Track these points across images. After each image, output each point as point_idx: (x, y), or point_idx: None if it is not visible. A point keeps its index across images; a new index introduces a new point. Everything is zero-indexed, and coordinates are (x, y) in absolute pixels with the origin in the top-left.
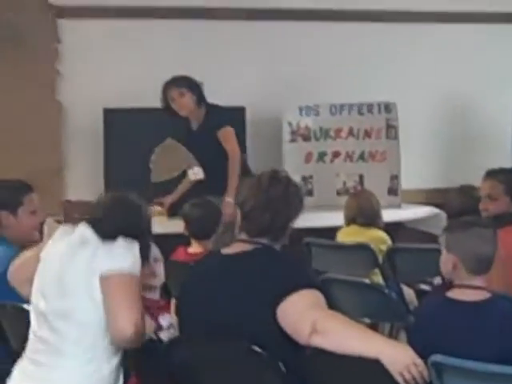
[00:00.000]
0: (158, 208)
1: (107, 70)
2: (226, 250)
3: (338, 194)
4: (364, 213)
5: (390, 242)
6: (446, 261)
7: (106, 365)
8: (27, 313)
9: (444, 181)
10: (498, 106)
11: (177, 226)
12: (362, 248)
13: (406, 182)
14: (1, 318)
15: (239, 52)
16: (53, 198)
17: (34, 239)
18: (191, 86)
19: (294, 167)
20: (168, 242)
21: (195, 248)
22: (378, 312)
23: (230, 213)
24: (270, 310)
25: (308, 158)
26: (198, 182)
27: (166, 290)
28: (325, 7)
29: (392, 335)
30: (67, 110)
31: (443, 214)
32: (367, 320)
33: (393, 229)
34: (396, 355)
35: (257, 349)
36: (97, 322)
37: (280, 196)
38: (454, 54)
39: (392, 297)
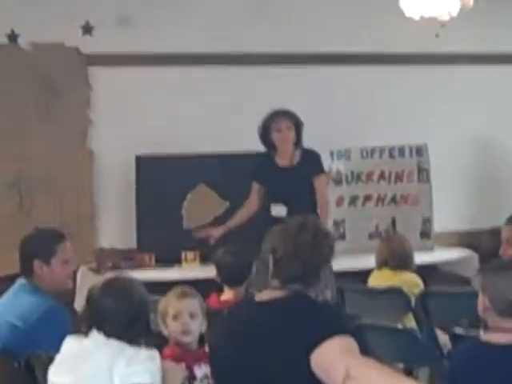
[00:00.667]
0: (190, 254)
1: (138, 117)
2: (258, 297)
3: (371, 237)
4: (396, 256)
5: (422, 285)
6: (480, 302)
7: None
8: None
9: (477, 222)
10: None
11: (209, 270)
12: (395, 292)
13: (439, 225)
14: (35, 367)
15: (270, 97)
16: (85, 246)
17: (67, 288)
18: (298, 124)
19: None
20: (200, 288)
21: (227, 295)
22: (412, 357)
23: None
24: (303, 358)
25: (339, 201)
26: (276, 220)
27: (202, 339)
28: (356, 51)
29: (431, 381)
30: (99, 158)
31: (476, 256)
32: (401, 365)
33: (426, 272)
34: None
35: None
36: None
37: (308, 244)
38: (485, 95)
39: (425, 341)
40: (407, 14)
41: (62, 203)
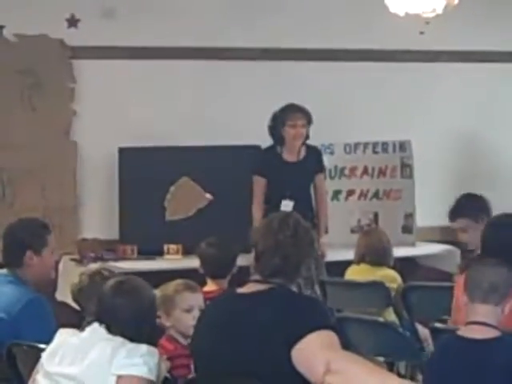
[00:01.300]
0: (172, 246)
1: (121, 109)
2: (241, 290)
3: (353, 231)
4: (374, 251)
5: (400, 280)
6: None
7: None
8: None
9: None
10: (511, 143)
11: (192, 262)
12: (376, 286)
13: (421, 220)
14: (16, 356)
15: (254, 91)
16: (68, 237)
17: (52, 278)
18: (310, 121)
19: None
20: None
21: (210, 286)
22: (393, 350)
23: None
24: (284, 351)
25: None
26: None
27: None
28: (340, 47)
29: (408, 374)
30: (82, 149)
31: (457, 252)
32: (381, 358)
33: (407, 267)
34: None
35: None
36: None
37: (288, 240)
38: (468, 92)
39: (406, 335)
40: (392, 10)
41: (45, 194)
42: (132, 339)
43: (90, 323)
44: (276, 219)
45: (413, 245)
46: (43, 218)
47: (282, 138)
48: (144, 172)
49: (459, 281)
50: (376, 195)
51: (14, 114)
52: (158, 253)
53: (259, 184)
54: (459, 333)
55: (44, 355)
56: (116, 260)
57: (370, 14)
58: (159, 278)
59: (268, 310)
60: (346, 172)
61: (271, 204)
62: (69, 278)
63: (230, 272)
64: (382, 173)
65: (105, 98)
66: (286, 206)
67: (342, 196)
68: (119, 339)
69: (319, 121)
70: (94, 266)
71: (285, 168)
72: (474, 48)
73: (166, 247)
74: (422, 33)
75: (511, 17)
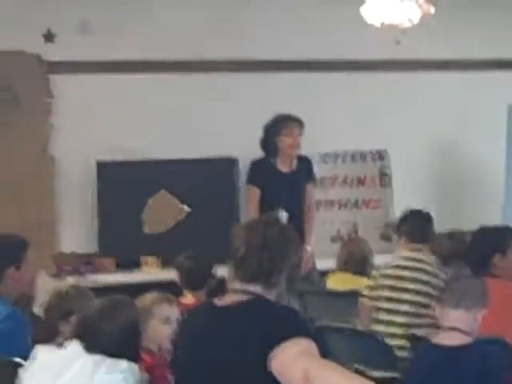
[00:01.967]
0: (150, 258)
1: (99, 123)
2: (219, 302)
3: (332, 241)
4: (355, 260)
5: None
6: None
7: None
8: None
9: (437, 226)
10: (489, 153)
11: (170, 274)
12: (355, 295)
13: None
14: None
15: (231, 103)
16: (45, 251)
17: (32, 293)
18: (303, 132)
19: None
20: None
21: (188, 298)
22: (371, 359)
23: (308, 260)
24: (262, 359)
25: None
26: None
27: None
28: (316, 58)
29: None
30: (60, 163)
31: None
32: (360, 367)
33: None
34: None
35: None
36: None
37: (276, 236)
38: (445, 101)
39: (384, 343)
40: (368, 21)
41: (23, 208)
42: (115, 357)
43: (67, 340)
44: (259, 220)
45: (391, 252)
46: (21, 234)
47: (276, 148)
48: (122, 185)
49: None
50: (355, 204)
51: None
52: (136, 265)
53: (254, 194)
54: (434, 340)
55: (23, 372)
56: (94, 273)
57: (346, 25)
58: (137, 290)
59: (246, 321)
60: (325, 182)
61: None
62: (46, 292)
63: (207, 283)
64: (360, 182)
65: (82, 112)
66: (281, 216)
67: (322, 206)
68: (98, 356)
69: None
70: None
71: (279, 178)
72: (450, 57)
73: (143, 259)
74: (398, 43)
75: (487, 25)
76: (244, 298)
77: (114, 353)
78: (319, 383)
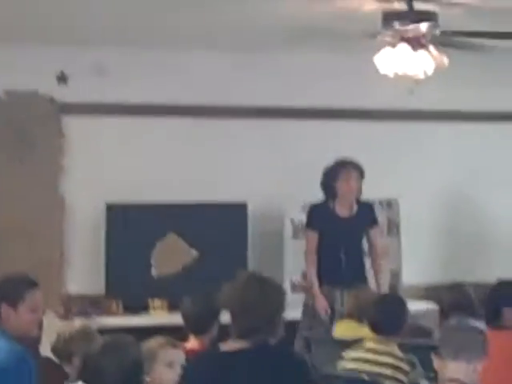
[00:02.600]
0: (157, 301)
1: (110, 165)
2: (223, 347)
3: None
4: (363, 309)
5: None
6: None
7: None
8: None
9: (446, 276)
10: (499, 206)
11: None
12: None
13: (407, 278)
14: None
15: (241, 149)
16: (53, 292)
17: (32, 335)
18: (363, 175)
19: (296, 264)
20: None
21: (193, 343)
22: None
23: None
24: None
25: None
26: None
27: None
28: (329, 106)
29: None
30: (70, 205)
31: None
32: None
33: None
34: None
35: None
36: None
37: (256, 298)
38: (454, 152)
39: None
40: (382, 72)
41: (32, 249)
42: None
43: (74, 382)
44: (242, 279)
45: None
46: (28, 273)
47: (334, 192)
48: (131, 228)
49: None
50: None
51: (2, 169)
52: (143, 308)
53: (312, 238)
54: None
55: None
56: (101, 315)
57: (360, 73)
58: (144, 333)
59: (252, 368)
60: None
61: (325, 260)
62: (53, 333)
63: (211, 328)
64: None
65: (93, 153)
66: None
67: None
68: None
69: (307, 179)
70: (76, 322)
71: (338, 223)
72: (461, 108)
73: (151, 302)
74: (411, 92)
75: (503, 76)
76: (248, 345)
77: None
78: None
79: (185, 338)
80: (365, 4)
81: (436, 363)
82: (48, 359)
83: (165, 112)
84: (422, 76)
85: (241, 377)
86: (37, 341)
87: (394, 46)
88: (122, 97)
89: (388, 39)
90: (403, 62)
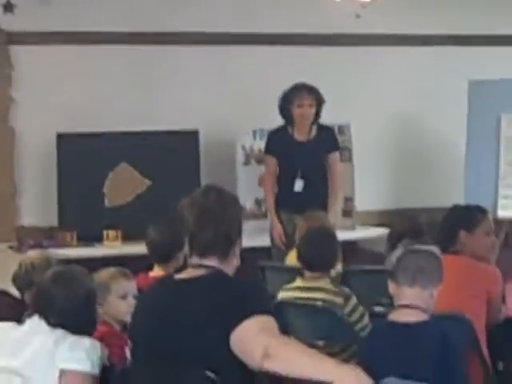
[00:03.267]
0: (111, 232)
1: (59, 95)
2: (179, 275)
3: None
4: None
5: (339, 266)
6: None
7: None
8: None
9: (398, 202)
10: (450, 127)
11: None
12: None
13: (360, 204)
14: None
15: (192, 76)
16: (6, 224)
17: None
18: (319, 101)
19: (247, 190)
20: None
21: (157, 272)
22: (332, 335)
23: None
24: (223, 336)
25: (261, 180)
26: (296, 194)
27: None
28: (278, 31)
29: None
30: (20, 136)
31: None
32: (321, 343)
33: (347, 250)
34: (347, 378)
35: (210, 374)
36: None
37: (214, 205)
38: (407, 76)
39: (345, 319)
40: None
41: None
42: (71, 330)
43: (30, 315)
44: (199, 191)
45: (353, 228)
46: None
47: (291, 117)
48: (83, 158)
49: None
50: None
51: None
52: (98, 239)
53: (270, 164)
54: (390, 317)
55: None
56: (55, 247)
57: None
58: (99, 264)
59: (206, 295)
60: None
61: (283, 185)
62: (7, 265)
63: (176, 257)
64: None
65: (42, 83)
66: (299, 186)
67: None
68: (60, 331)
69: (258, 105)
70: (33, 253)
71: (295, 147)
72: (411, 32)
73: (105, 233)
74: (358, 16)
75: (445, 1)
76: (203, 272)
77: (69, 322)
78: (279, 360)
79: (143, 268)
80: None
81: (391, 288)
82: (3, 292)
83: (116, 39)
84: None
85: (193, 304)
86: None
87: None
88: (70, 25)
89: None
90: None
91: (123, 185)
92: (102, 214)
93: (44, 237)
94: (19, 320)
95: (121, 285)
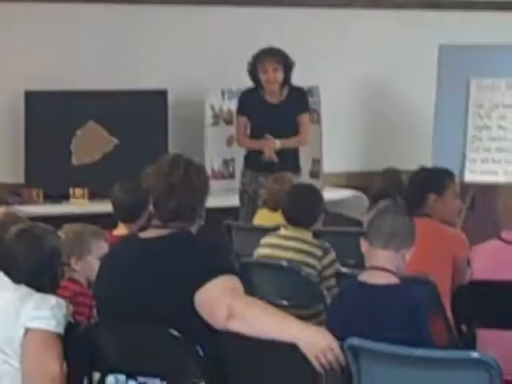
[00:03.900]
0: (78, 190)
1: (27, 52)
2: (143, 234)
3: None
4: (277, 198)
5: None
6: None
7: None
8: None
9: (366, 164)
10: (419, 91)
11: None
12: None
13: (328, 166)
14: None
15: (161, 35)
16: None
17: None
18: (286, 63)
19: (216, 150)
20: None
21: (121, 230)
22: (297, 294)
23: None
24: (187, 296)
25: (230, 141)
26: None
27: None
28: None
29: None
30: None
31: (364, 197)
32: (285, 302)
33: None
34: (312, 339)
35: (175, 333)
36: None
37: (181, 181)
38: (378, 39)
39: (311, 279)
40: None
41: None
42: (34, 288)
43: None
44: (165, 162)
45: (320, 190)
46: None
47: (259, 81)
48: (50, 116)
49: None
50: None
51: None
52: (64, 197)
53: (240, 123)
54: (360, 278)
55: None
56: (21, 204)
57: None
58: (65, 222)
59: (170, 254)
60: None
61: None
62: None
63: (141, 216)
64: None
65: (9, 41)
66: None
67: None
68: (25, 289)
69: (227, 65)
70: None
71: (265, 109)
72: None
73: (71, 191)
74: None
75: None
76: (167, 232)
77: (32, 280)
78: (243, 320)
79: (108, 226)
80: None
81: (364, 247)
82: None
83: None
84: None
85: (158, 263)
86: None
87: None
88: None
89: None
90: None
91: (91, 143)
92: (69, 171)
93: (10, 193)
94: None
95: (101, 247)
